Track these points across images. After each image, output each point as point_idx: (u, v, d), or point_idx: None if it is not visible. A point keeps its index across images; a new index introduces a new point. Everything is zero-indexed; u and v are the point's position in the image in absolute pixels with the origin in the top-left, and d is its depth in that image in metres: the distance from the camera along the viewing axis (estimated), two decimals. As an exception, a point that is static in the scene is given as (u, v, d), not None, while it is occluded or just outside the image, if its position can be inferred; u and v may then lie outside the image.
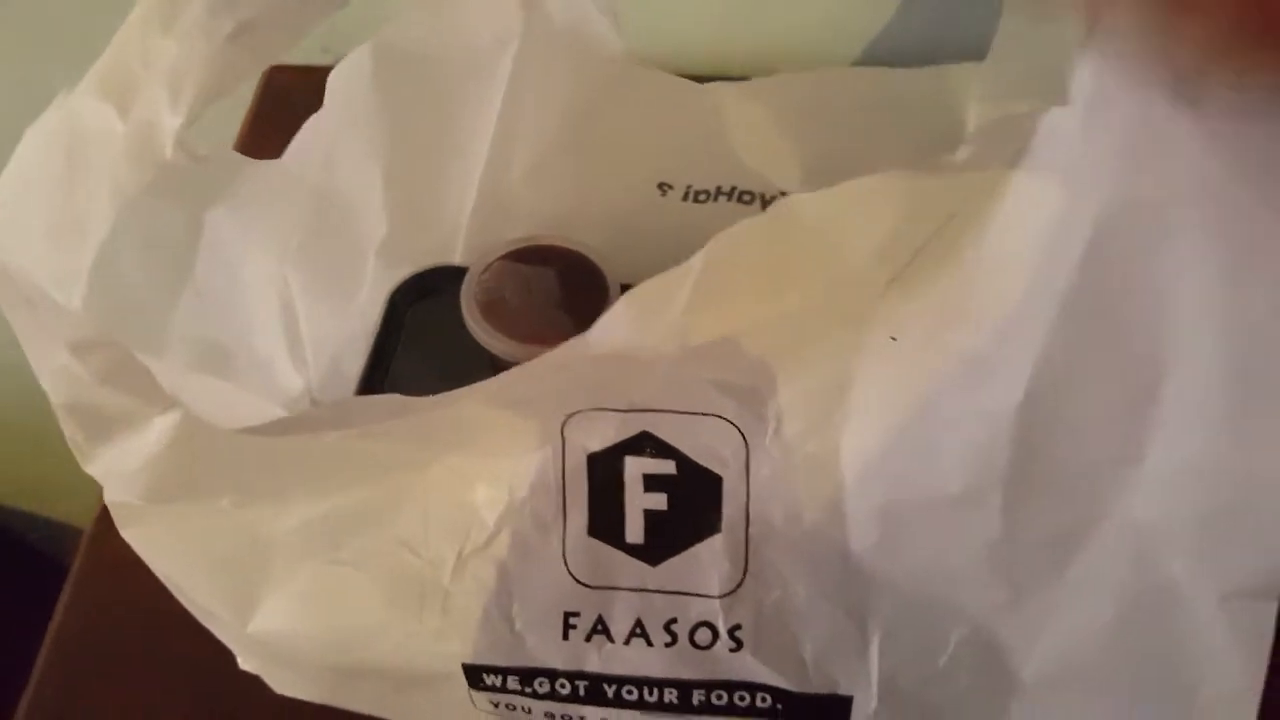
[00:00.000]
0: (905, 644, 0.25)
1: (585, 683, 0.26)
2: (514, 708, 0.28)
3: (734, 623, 0.25)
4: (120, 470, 0.24)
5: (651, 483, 0.24)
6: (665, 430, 0.24)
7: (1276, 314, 0.20)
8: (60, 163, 0.23)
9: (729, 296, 0.21)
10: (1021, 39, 0.31)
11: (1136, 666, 0.24)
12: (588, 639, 0.26)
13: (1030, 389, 0.21)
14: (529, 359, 0.34)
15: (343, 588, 0.26)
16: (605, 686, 0.26)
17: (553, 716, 0.27)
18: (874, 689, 0.25)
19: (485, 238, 0.38)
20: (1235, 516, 0.22)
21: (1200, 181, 0.19)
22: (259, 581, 0.26)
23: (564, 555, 0.25)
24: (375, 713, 0.30)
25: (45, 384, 0.23)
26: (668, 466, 0.24)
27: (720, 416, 0.23)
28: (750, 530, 0.24)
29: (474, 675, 0.27)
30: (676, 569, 0.25)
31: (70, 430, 0.24)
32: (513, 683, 0.27)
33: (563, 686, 0.27)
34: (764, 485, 0.24)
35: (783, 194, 0.36)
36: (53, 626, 0.38)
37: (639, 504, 0.25)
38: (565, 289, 0.35)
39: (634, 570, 0.25)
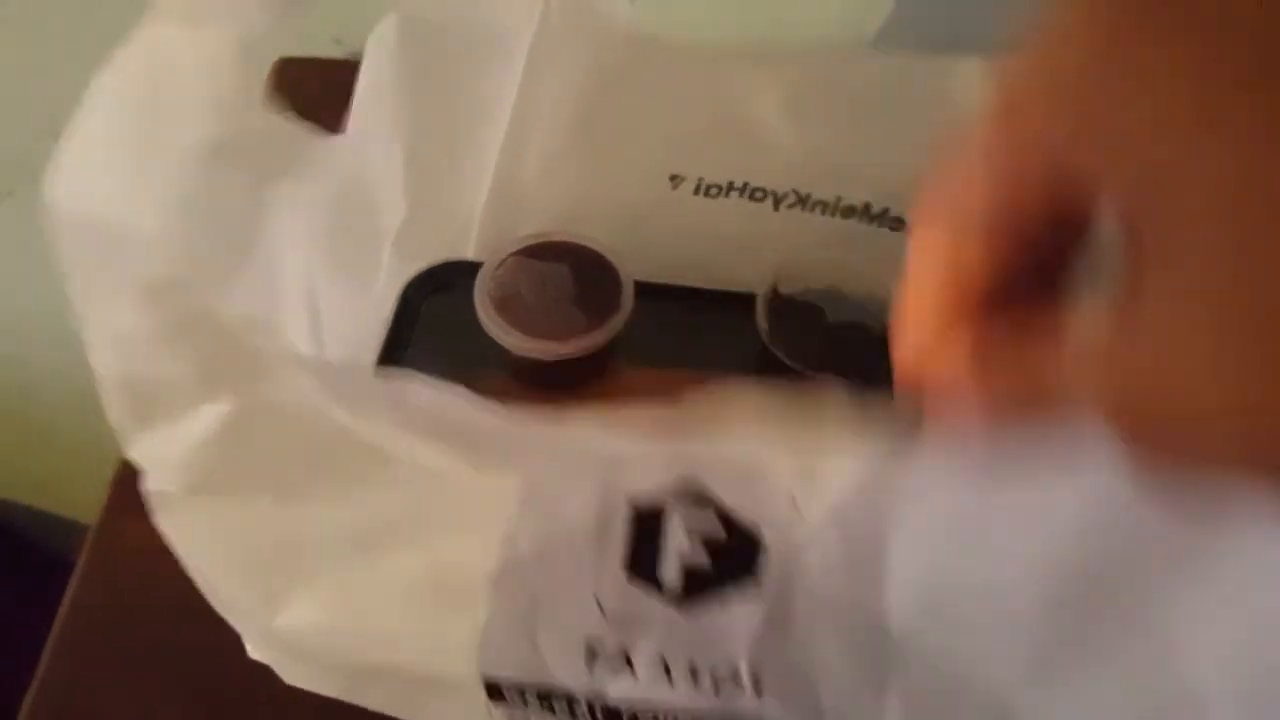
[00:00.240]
0: (922, 706, 0.25)
1: (603, 708, 0.26)
2: (530, 722, 0.28)
3: (757, 670, 0.25)
4: (162, 457, 0.23)
5: (693, 534, 0.24)
6: (714, 482, 0.24)
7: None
8: (143, 95, 0.21)
9: None
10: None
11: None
12: (610, 669, 0.26)
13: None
14: (542, 354, 0.34)
15: (374, 591, 0.26)
16: (623, 713, 0.26)
17: (569, 735, 0.27)
18: None
19: (498, 230, 0.38)
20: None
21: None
22: (290, 578, 0.25)
23: (596, 587, 0.25)
24: (387, 711, 0.30)
25: (99, 357, 0.22)
26: (710, 518, 0.24)
27: (771, 477, 0.23)
28: (786, 587, 0.24)
29: (494, 689, 0.27)
30: (707, 615, 0.25)
31: (116, 408, 0.23)
32: (532, 700, 0.27)
33: (580, 709, 0.27)
34: (807, 553, 0.24)
35: (795, 192, 0.36)
36: (58, 620, 0.38)
37: (677, 550, 0.25)
38: (579, 285, 0.35)
39: (664, 611, 0.25)
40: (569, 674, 0.26)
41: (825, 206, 0.36)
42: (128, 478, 0.42)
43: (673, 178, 0.36)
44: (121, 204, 0.21)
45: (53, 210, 0.21)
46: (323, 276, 0.31)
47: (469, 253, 0.39)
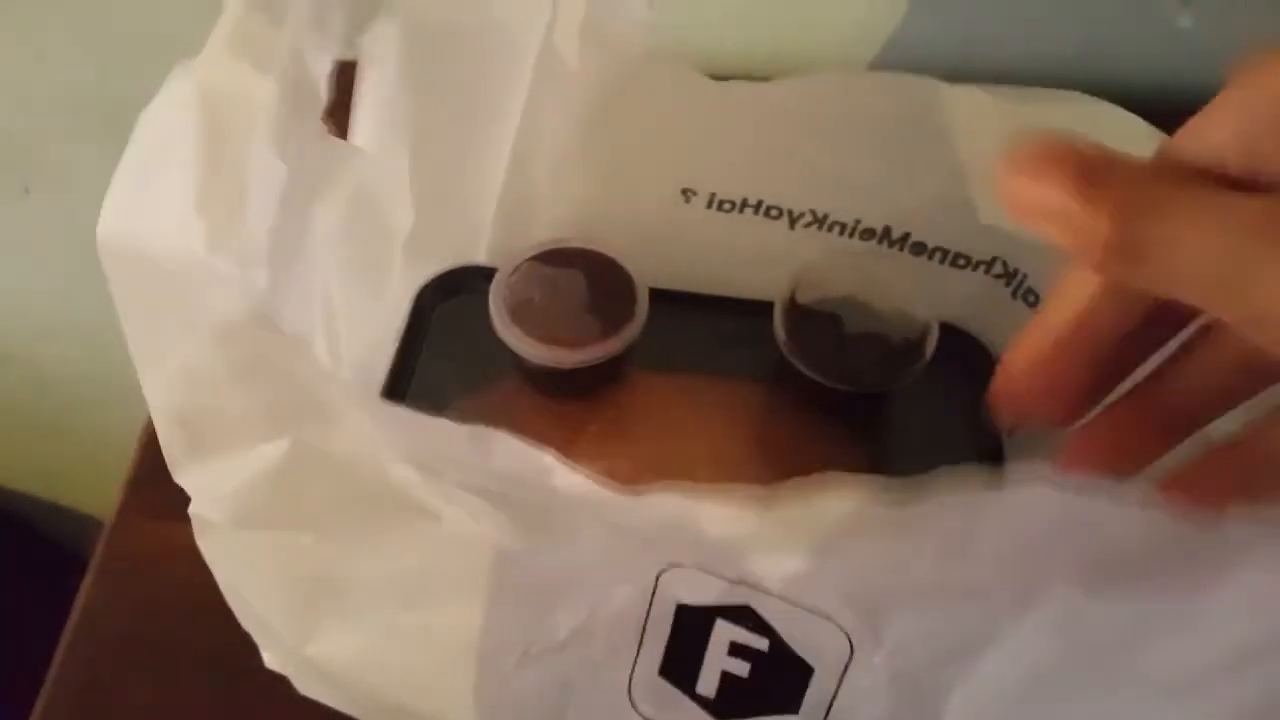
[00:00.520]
0: None
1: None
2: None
3: None
4: (212, 489, 0.23)
5: (737, 650, 0.24)
6: (769, 611, 0.23)
7: None
8: (198, 132, 0.21)
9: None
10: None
11: None
12: None
13: None
14: (557, 362, 0.34)
15: (404, 640, 0.26)
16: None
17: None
18: None
19: (510, 235, 0.38)
20: None
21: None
22: (326, 611, 0.25)
23: (630, 684, 0.25)
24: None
25: (156, 388, 0.22)
26: (759, 642, 0.23)
27: (832, 619, 0.22)
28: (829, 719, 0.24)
29: (519, 758, 0.27)
30: None
31: (170, 439, 0.23)
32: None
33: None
34: (856, 691, 0.23)
35: (812, 212, 0.35)
36: (72, 621, 0.38)
37: (719, 664, 0.24)
38: (593, 292, 0.35)
39: (698, 718, 0.25)
40: None
41: (844, 228, 0.35)
42: (143, 478, 0.43)
43: (684, 191, 0.36)
44: (190, 241, 0.21)
45: (108, 245, 0.21)
46: (334, 284, 0.31)
47: (480, 258, 0.39)
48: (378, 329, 0.37)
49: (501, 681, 0.26)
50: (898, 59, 0.47)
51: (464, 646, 0.25)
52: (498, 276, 0.35)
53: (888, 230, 0.35)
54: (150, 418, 0.42)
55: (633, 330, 0.34)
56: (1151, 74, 0.46)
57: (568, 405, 0.37)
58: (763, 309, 0.35)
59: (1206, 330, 0.21)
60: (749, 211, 0.35)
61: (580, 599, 0.24)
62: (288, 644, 0.26)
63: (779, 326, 0.34)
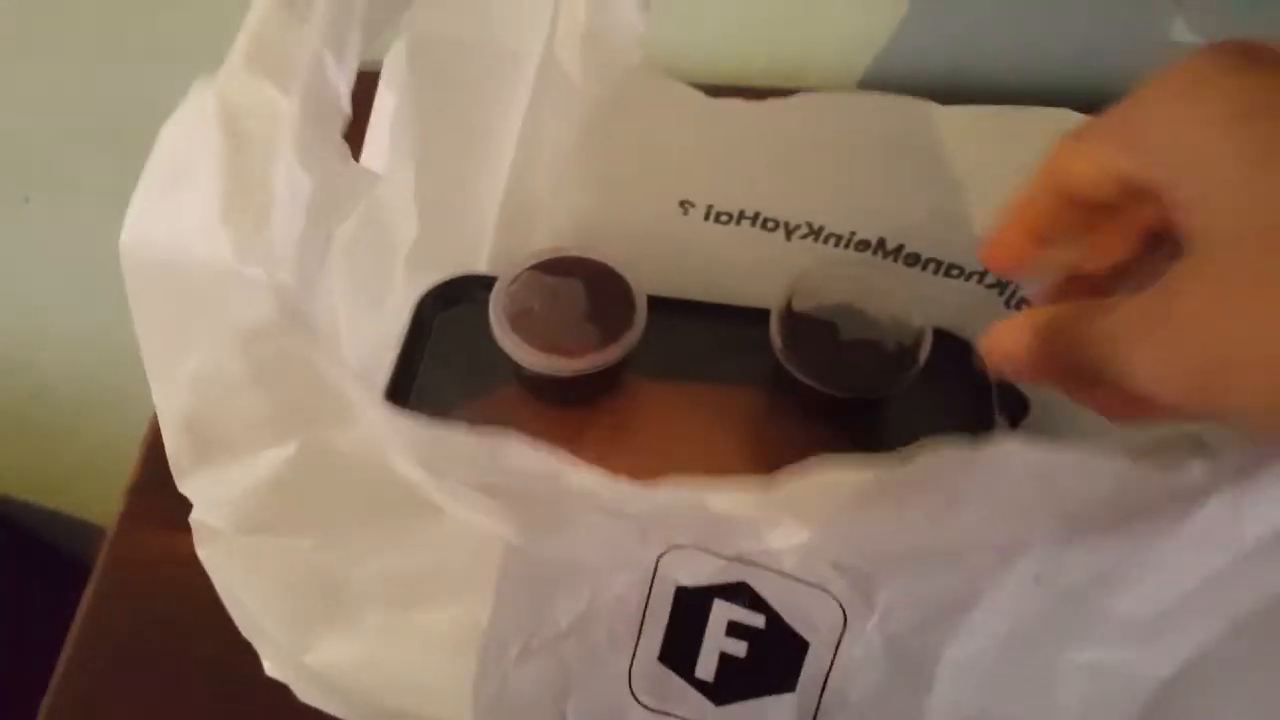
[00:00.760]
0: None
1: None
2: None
3: None
4: (214, 496, 0.24)
5: (735, 629, 0.24)
6: (765, 587, 0.24)
7: None
8: (221, 144, 0.21)
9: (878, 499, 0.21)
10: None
11: None
12: None
13: (1183, 669, 0.22)
14: (556, 370, 0.35)
15: (404, 642, 0.26)
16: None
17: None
18: None
19: (510, 245, 0.38)
20: None
21: None
22: (323, 617, 0.26)
23: (630, 672, 0.25)
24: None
25: (166, 395, 0.23)
26: (756, 619, 0.24)
27: (826, 590, 0.23)
28: (824, 697, 0.24)
29: (519, 751, 0.27)
30: (740, 714, 0.25)
31: (176, 446, 0.23)
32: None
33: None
34: (850, 662, 0.24)
35: (809, 224, 0.36)
36: (75, 627, 0.38)
37: (717, 645, 0.25)
38: (592, 300, 0.35)
39: (697, 704, 0.25)
40: None
41: (839, 240, 0.36)
42: (144, 486, 0.43)
43: (682, 203, 0.36)
44: (217, 249, 0.21)
45: (130, 254, 0.22)
46: (338, 292, 0.32)
47: (480, 267, 0.39)
48: (378, 336, 0.37)
49: (502, 678, 0.26)
50: (891, 70, 0.47)
51: (464, 644, 0.26)
52: (498, 285, 0.35)
53: (882, 242, 0.35)
54: (152, 426, 0.43)
55: (631, 338, 0.34)
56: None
57: (567, 412, 0.37)
58: (760, 317, 0.35)
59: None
60: (746, 223, 0.35)
61: (582, 586, 0.24)
62: (287, 652, 0.27)
63: (775, 334, 0.35)
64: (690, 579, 0.24)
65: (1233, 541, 0.19)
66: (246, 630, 0.28)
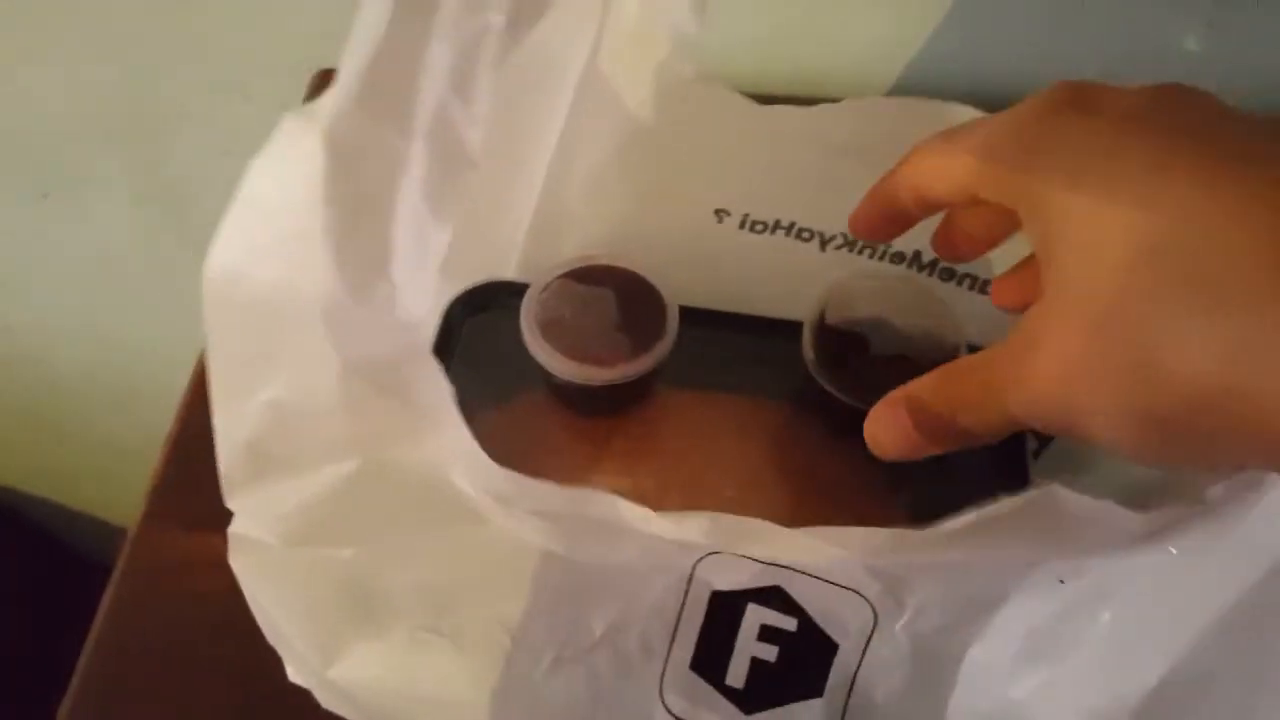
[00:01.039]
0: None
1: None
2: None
3: None
4: (265, 510, 0.24)
5: (766, 634, 0.25)
6: (798, 589, 0.24)
7: None
8: (331, 186, 0.21)
9: None
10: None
11: None
12: None
13: (1165, 678, 0.23)
14: (586, 379, 0.34)
15: (433, 655, 0.26)
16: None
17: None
18: None
19: (541, 252, 0.38)
20: None
21: None
22: (353, 629, 0.26)
23: (661, 681, 0.25)
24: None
25: (232, 416, 0.23)
26: (788, 623, 0.25)
27: (858, 593, 0.24)
28: (851, 700, 0.25)
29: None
30: (769, 715, 0.25)
31: (233, 464, 0.23)
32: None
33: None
34: (878, 663, 0.24)
35: (844, 235, 0.36)
36: (95, 629, 0.38)
37: (748, 651, 0.25)
38: (623, 310, 0.35)
39: (727, 712, 0.25)
40: None
41: (874, 251, 0.35)
42: (165, 487, 0.43)
43: (717, 212, 0.36)
44: (330, 288, 0.21)
45: (216, 285, 0.22)
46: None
47: (509, 273, 0.39)
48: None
49: (532, 690, 0.26)
50: (915, 78, 0.47)
51: (492, 656, 0.26)
52: (529, 293, 0.35)
53: (917, 255, 0.35)
54: (177, 427, 0.42)
55: (663, 349, 0.34)
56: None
57: (595, 421, 0.37)
58: (792, 328, 0.35)
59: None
60: (781, 233, 0.35)
61: (619, 592, 0.25)
62: (312, 665, 0.27)
63: (807, 345, 0.34)
64: (726, 583, 0.25)
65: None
66: (273, 639, 0.28)
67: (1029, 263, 0.29)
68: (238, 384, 0.22)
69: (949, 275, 0.35)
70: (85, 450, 0.82)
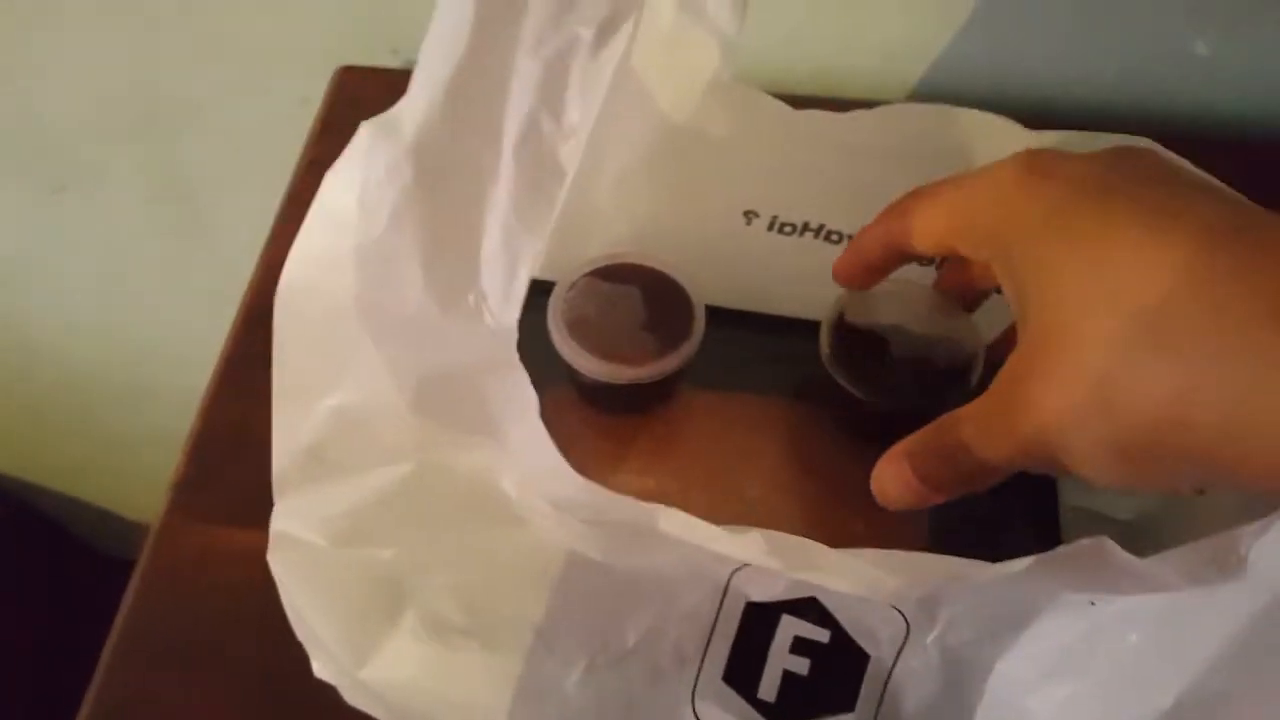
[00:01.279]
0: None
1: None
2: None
3: None
4: (315, 510, 0.24)
5: (800, 646, 0.25)
6: (833, 601, 0.25)
7: None
8: (420, 199, 0.22)
9: None
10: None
11: None
12: None
13: (1181, 697, 0.23)
14: (612, 378, 0.35)
15: (464, 656, 0.26)
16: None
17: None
18: None
19: (567, 249, 0.38)
20: None
21: None
22: (386, 629, 0.26)
23: (693, 692, 0.26)
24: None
25: (294, 421, 0.23)
26: (822, 634, 0.25)
27: (893, 605, 0.24)
28: (881, 711, 0.25)
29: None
30: None
31: (288, 465, 0.24)
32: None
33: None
34: (908, 674, 0.25)
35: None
36: (117, 625, 0.38)
37: (781, 663, 0.25)
38: (650, 309, 0.35)
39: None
40: None
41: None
42: (187, 483, 0.43)
43: (746, 213, 0.36)
44: (417, 299, 0.21)
45: (289, 295, 0.22)
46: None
47: (534, 271, 0.39)
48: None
49: (560, 697, 0.26)
50: (937, 79, 0.48)
51: (527, 660, 0.26)
52: (555, 291, 0.35)
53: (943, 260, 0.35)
54: (199, 423, 0.42)
55: (690, 349, 0.34)
56: (1186, 102, 0.47)
57: (619, 419, 0.37)
58: (811, 328, 0.35)
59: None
60: (809, 235, 0.35)
61: (654, 600, 0.25)
62: (344, 664, 0.27)
63: (824, 343, 0.35)
64: (761, 594, 0.25)
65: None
66: (303, 636, 0.28)
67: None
68: (302, 390, 0.22)
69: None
70: (96, 444, 0.82)
